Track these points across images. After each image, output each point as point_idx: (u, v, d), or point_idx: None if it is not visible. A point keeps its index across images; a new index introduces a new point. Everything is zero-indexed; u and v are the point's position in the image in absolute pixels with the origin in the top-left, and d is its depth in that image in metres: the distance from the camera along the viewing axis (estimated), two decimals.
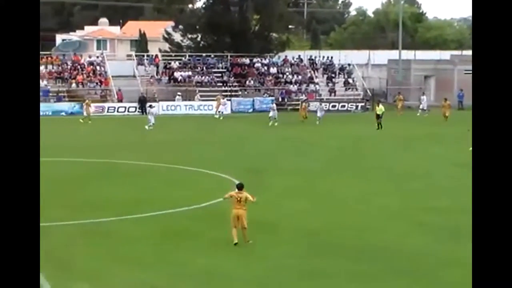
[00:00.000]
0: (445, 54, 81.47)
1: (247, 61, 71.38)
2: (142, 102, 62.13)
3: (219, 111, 59.00)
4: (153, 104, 56.85)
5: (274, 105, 56.81)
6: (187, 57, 71.76)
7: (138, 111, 61.58)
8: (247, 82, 68.85)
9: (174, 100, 64.26)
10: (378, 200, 25.68)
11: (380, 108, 50.45)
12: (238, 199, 19.27)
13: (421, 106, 62.25)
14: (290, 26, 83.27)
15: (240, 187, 19.60)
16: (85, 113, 56.00)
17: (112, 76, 66.80)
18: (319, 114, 54.26)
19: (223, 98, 61.41)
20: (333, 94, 68.89)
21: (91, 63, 68.49)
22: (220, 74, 69.57)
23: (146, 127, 48.39)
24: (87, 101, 57.79)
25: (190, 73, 68.73)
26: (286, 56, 73.63)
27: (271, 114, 53.23)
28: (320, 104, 58.16)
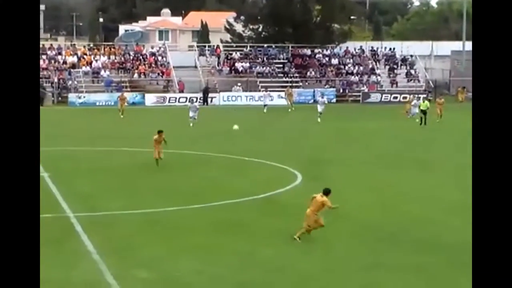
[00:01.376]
0: None
1: (308, 52, 71.19)
2: (205, 92, 62.42)
3: (291, 103, 58.58)
4: (195, 99, 55.39)
5: (325, 98, 53.27)
6: (248, 47, 71.86)
7: (200, 102, 61.59)
8: (308, 73, 68.66)
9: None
10: (440, 193, 25.35)
11: (425, 104, 49.36)
12: (311, 199, 19.12)
13: None
14: (352, 17, 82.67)
15: (325, 192, 19.16)
16: (119, 107, 53.07)
17: (174, 67, 67.30)
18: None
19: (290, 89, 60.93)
20: (394, 85, 68.25)
21: (153, 54, 69.11)
22: (281, 65, 69.52)
23: (191, 124, 45.55)
24: (121, 95, 55.69)
25: (250, 63, 68.82)
26: (347, 47, 73.17)
27: (319, 109, 49.34)
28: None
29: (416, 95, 56.14)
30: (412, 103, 51.41)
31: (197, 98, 56.15)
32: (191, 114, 46.19)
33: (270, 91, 61.71)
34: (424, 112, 48.30)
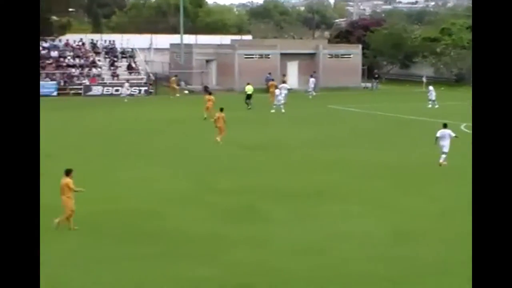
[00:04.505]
0: (226, 39, 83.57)
1: None
2: None
3: None
4: None
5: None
6: None
7: None
8: None
9: None
10: (160, 185, 26.15)
11: (249, 88, 52.22)
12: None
13: (309, 89, 65.10)
14: (70, 9, 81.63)
15: (66, 172, 19.50)
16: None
17: None
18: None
19: None
20: (116, 78, 68.61)
21: None
22: None
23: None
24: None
25: None
26: (67, 40, 72.27)
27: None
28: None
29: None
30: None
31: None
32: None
33: None
34: (249, 96, 51.87)
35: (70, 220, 19.47)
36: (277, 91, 52.24)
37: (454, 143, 29.85)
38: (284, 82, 59.95)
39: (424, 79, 75.84)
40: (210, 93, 48.61)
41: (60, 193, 19.34)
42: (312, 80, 66.34)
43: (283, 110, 50.01)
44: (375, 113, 51.47)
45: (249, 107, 52.73)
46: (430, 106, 55.14)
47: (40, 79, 64.89)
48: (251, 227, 20.41)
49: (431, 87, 57.76)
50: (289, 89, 58.02)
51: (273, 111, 50.29)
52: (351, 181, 27.09)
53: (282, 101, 50.88)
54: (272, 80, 62.15)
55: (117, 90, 64.35)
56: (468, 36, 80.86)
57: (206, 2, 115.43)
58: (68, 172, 19.44)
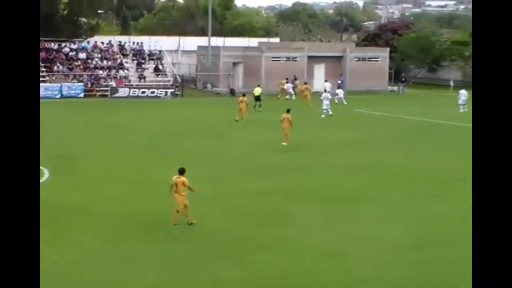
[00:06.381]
0: (253, 41, 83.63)
1: (55, 46, 69.82)
2: None
3: None
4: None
5: None
6: None
7: None
8: (55, 67, 67.41)
9: None
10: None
11: (257, 90, 52.30)
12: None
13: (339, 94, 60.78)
14: (99, 11, 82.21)
15: (180, 171, 20.51)
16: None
17: None
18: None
19: None
20: (142, 80, 68.91)
21: None
22: None
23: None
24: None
25: None
26: (95, 42, 72.74)
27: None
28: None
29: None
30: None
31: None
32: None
33: None
34: (257, 98, 52.57)
35: (186, 214, 20.41)
36: (324, 95, 51.91)
37: None
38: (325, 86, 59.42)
39: (451, 83, 75.30)
40: (243, 94, 48.48)
41: (173, 191, 20.33)
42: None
43: (330, 113, 49.95)
44: (402, 117, 51.19)
45: (256, 109, 51.88)
46: (461, 110, 54.29)
47: (68, 81, 65.42)
48: (276, 229, 20.39)
49: (462, 91, 56.62)
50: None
51: (323, 116, 50.05)
52: (378, 184, 26.99)
53: (328, 106, 50.62)
54: (305, 83, 62.08)
55: (143, 92, 64.63)
56: None
57: (235, 4, 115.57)
58: (182, 171, 20.48)
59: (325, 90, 55.59)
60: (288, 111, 36.53)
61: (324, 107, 50.22)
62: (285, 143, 35.66)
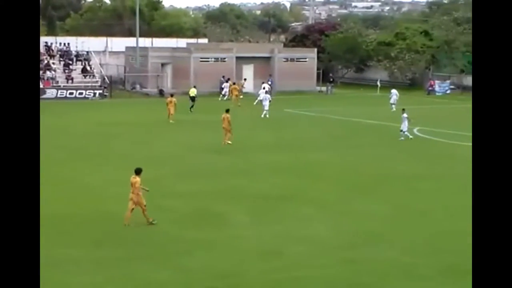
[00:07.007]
0: (182, 42, 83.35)
1: None
2: None
3: None
4: None
5: None
6: None
7: None
8: None
9: None
10: (118, 188, 26.05)
11: (192, 90, 52.53)
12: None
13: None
14: None
15: (136, 172, 20.85)
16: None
17: None
18: None
19: None
20: (70, 81, 67.98)
21: None
22: None
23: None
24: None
25: None
26: None
27: None
28: None
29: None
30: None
31: None
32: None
33: None
34: (193, 98, 52.79)
35: (145, 215, 20.68)
36: (266, 96, 52.25)
37: (406, 149, 30.16)
38: (264, 87, 59.18)
39: (378, 83, 76.45)
40: (171, 95, 48.61)
41: (131, 191, 20.58)
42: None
43: (267, 116, 50.10)
44: (331, 117, 51.80)
45: (192, 110, 52.40)
46: (394, 110, 54.64)
47: None
48: (210, 230, 20.44)
49: (393, 90, 57.61)
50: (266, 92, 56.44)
51: (267, 116, 50.08)
52: (309, 184, 27.27)
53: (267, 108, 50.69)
54: (234, 83, 62.15)
55: (71, 93, 63.74)
56: (422, 40, 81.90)
57: (162, 5, 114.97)
58: (138, 171, 20.82)
59: (266, 92, 55.72)
60: (227, 111, 36.94)
61: (266, 108, 50.57)
62: (229, 142, 36.03)
